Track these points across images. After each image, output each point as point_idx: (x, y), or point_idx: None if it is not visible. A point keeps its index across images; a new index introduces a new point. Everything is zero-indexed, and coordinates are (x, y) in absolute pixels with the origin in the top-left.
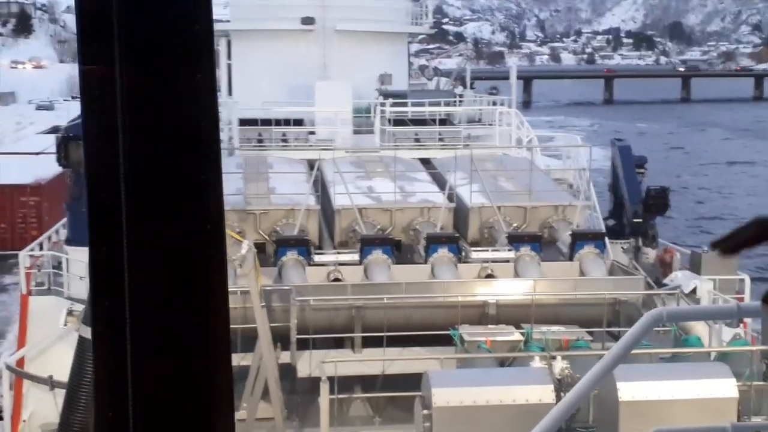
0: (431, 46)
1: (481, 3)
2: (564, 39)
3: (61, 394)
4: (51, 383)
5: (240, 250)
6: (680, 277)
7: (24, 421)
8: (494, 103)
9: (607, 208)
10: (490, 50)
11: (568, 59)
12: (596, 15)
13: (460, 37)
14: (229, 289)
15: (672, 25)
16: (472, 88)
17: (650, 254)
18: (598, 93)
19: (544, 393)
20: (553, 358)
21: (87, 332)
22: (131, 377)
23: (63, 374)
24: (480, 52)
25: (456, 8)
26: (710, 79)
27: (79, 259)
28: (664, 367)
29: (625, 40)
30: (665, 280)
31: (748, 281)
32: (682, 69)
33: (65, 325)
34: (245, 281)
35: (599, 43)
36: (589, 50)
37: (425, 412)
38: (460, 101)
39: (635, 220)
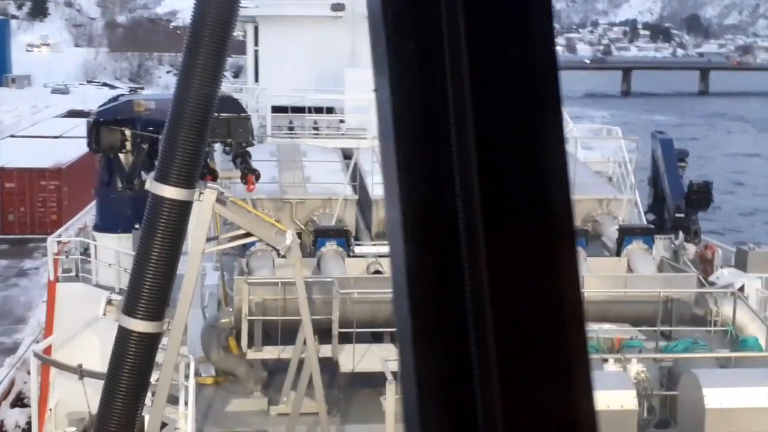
0: None
1: None
2: (580, 30)
3: (88, 383)
4: (80, 372)
5: (284, 240)
6: (726, 275)
7: (50, 409)
8: None
9: (646, 202)
10: None
11: (583, 50)
12: (613, 6)
13: None
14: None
15: (689, 18)
16: None
17: (690, 250)
18: (615, 85)
19: (626, 399)
20: (628, 360)
21: (127, 322)
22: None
23: (91, 363)
24: None
25: None
26: (728, 72)
27: (107, 245)
28: (749, 372)
29: (641, 32)
30: (710, 278)
31: None
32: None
33: (104, 314)
34: (289, 272)
35: (616, 35)
36: (605, 42)
37: None
38: None
39: (677, 215)
